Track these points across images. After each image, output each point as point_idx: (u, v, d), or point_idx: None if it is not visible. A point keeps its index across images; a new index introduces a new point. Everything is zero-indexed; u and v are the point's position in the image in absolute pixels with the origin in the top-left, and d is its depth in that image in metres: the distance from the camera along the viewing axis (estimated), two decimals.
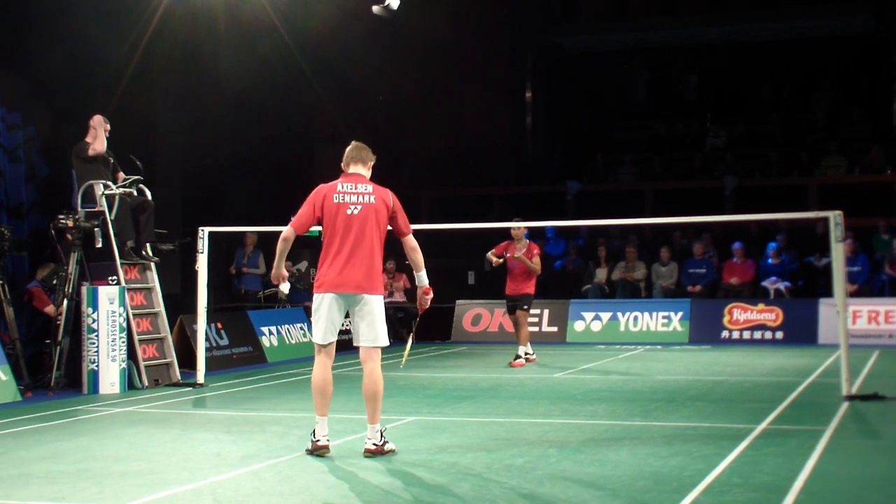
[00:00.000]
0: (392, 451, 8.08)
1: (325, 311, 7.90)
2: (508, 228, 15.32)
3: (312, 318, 8.06)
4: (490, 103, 26.88)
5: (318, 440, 8.07)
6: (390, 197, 8.09)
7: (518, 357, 15.30)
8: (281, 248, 8.05)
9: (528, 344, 15.48)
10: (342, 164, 8.22)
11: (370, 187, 8.02)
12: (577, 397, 11.61)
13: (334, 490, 6.96)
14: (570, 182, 24.33)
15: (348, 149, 8.25)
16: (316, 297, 7.95)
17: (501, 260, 15.29)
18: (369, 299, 7.92)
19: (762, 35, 27.72)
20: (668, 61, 29.20)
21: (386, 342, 8.03)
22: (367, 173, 8.21)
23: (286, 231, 8.02)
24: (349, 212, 7.84)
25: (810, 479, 7.02)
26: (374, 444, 7.98)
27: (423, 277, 8.30)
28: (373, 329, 7.97)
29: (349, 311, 8.03)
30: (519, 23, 27.13)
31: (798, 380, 12.82)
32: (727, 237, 20.81)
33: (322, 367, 8.03)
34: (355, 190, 7.97)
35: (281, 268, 8.12)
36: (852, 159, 23.71)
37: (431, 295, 8.38)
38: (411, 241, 8.23)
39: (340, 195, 7.91)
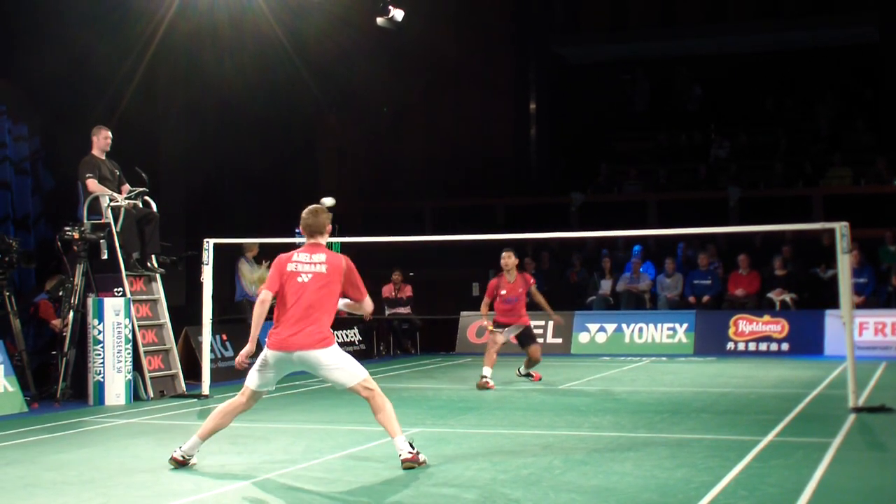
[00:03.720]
0: (425, 463, 8.06)
1: (272, 364, 8.02)
2: (505, 241, 14.67)
3: (255, 365, 8.11)
4: (493, 115, 26.93)
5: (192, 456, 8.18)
6: (343, 263, 8.11)
7: (484, 378, 13.98)
8: (258, 312, 8.05)
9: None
10: (301, 230, 8.29)
11: (324, 256, 8.08)
12: (582, 409, 11.60)
13: (338, 501, 6.96)
14: (573, 193, 24.34)
15: (304, 215, 8.23)
16: (265, 350, 8.06)
17: (494, 328, 14.19)
18: (319, 354, 7.97)
19: (765, 46, 27.74)
20: (671, 72, 29.22)
21: (364, 372, 8.13)
22: (325, 240, 8.24)
23: (264, 294, 8.09)
24: (300, 280, 7.98)
25: (817, 492, 7.00)
26: (409, 453, 7.99)
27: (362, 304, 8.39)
28: (346, 371, 8.07)
29: (308, 370, 8.12)
30: (521, 35, 27.18)
31: (804, 392, 12.80)
32: (732, 248, 20.79)
33: (235, 404, 8.15)
34: (310, 260, 8.07)
35: (253, 343, 8.23)
36: (857, 170, 23.70)
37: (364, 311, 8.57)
38: (367, 306, 8.40)
39: (295, 264, 8.05)
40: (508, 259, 14.09)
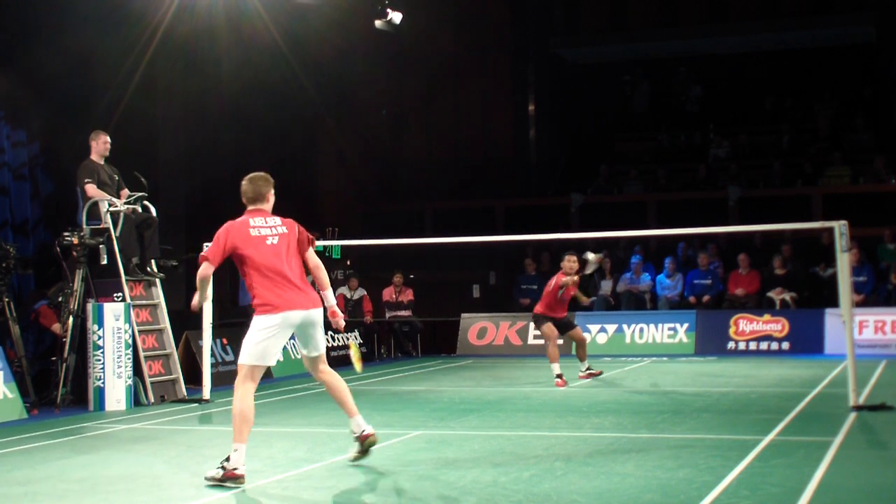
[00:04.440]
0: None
1: (279, 329, 7.86)
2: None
3: (253, 339, 7.83)
4: (493, 116, 26.91)
5: (235, 468, 7.63)
6: (295, 225, 8.16)
7: (588, 369, 15.05)
8: (206, 275, 8.01)
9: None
10: (243, 199, 8.15)
11: (277, 220, 8.10)
12: (584, 410, 11.59)
13: None
14: (573, 194, 24.34)
15: (245, 184, 8.12)
16: (264, 318, 7.83)
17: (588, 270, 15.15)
18: (318, 313, 8.09)
19: (764, 46, 27.72)
20: (670, 73, 29.21)
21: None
22: (269, 207, 8.17)
23: (205, 267, 7.93)
24: (269, 242, 7.92)
25: (818, 491, 6.99)
26: (371, 429, 8.26)
27: (328, 297, 8.33)
28: (322, 338, 8.24)
29: (296, 331, 8.07)
30: (520, 35, 27.15)
31: (805, 390, 12.79)
32: (732, 248, 20.78)
33: (250, 393, 7.85)
34: (266, 224, 8.02)
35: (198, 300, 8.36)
36: (856, 169, 23.69)
37: (340, 319, 8.44)
38: (314, 259, 8.28)
39: (256, 229, 7.95)
40: (572, 264, 14.55)
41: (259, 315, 7.87)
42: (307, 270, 8.23)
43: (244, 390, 7.81)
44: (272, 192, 8.17)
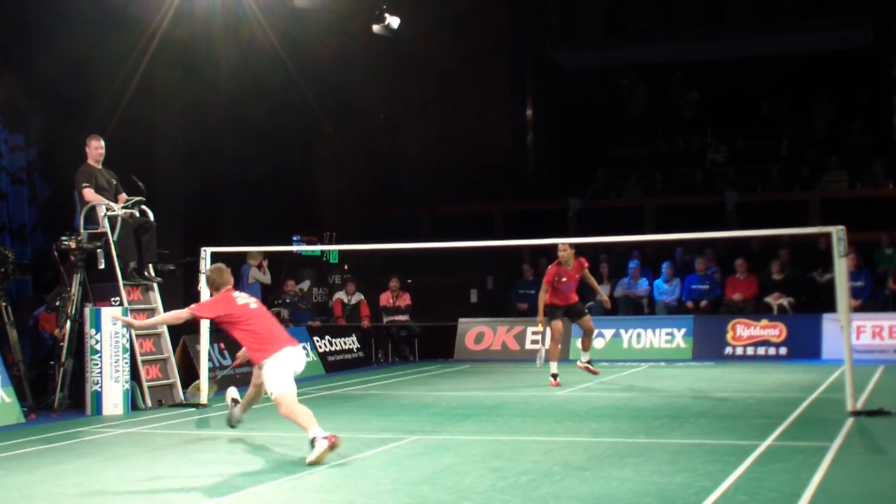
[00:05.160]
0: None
1: (290, 363, 9.22)
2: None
3: (277, 377, 9.04)
4: (490, 121, 26.92)
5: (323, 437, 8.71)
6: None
7: (588, 363, 15.28)
8: (171, 321, 10.16)
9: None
10: (215, 287, 9.67)
11: (245, 293, 9.92)
12: (581, 415, 11.59)
13: None
14: (571, 199, 24.35)
15: (213, 274, 9.72)
16: (276, 357, 9.13)
17: (541, 328, 15.23)
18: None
19: (761, 50, 27.73)
20: (668, 77, 29.23)
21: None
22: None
23: (184, 313, 9.55)
24: (252, 306, 9.46)
25: (816, 496, 6.99)
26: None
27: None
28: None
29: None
30: (518, 40, 27.18)
31: (802, 396, 12.79)
32: (729, 253, 20.78)
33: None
34: (241, 294, 9.67)
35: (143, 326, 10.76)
36: (854, 173, 23.71)
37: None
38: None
39: (240, 298, 9.52)
40: (565, 251, 14.82)
41: (268, 357, 9.31)
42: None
43: (292, 399, 9.12)
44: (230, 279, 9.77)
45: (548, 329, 15.06)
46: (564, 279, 14.83)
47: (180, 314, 9.55)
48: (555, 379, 14.58)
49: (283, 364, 9.09)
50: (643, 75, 29.33)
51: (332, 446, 8.59)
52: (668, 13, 27.83)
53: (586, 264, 15.18)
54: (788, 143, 25.99)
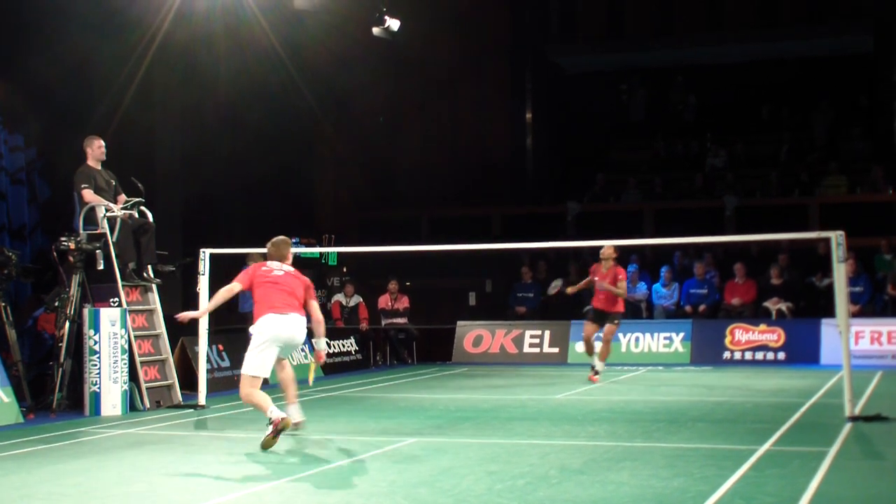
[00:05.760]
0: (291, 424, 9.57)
1: (269, 333, 9.78)
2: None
3: (250, 352, 9.68)
4: (489, 124, 26.94)
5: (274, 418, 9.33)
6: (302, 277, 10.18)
7: (596, 372, 15.77)
8: (226, 296, 10.08)
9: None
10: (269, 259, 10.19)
11: (290, 269, 10.16)
12: (579, 418, 11.59)
13: None
14: (570, 202, 24.36)
15: (269, 246, 10.24)
16: (257, 325, 9.79)
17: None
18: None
19: (761, 55, 27.78)
20: (667, 81, 29.27)
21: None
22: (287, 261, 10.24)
23: (234, 286, 10.01)
24: (275, 273, 9.94)
25: (813, 501, 7.00)
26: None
27: (321, 342, 10.11)
28: None
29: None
30: (518, 43, 27.21)
31: (800, 401, 12.80)
32: (728, 257, 20.78)
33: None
34: (277, 265, 10.12)
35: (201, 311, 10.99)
36: (853, 179, 23.73)
37: (324, 360, 10.35)
38: (318, 312, 10.10)
39: (270, 267, 10.05)
40: (605, 251, 15.60)
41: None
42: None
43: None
44: (290, 251, 10.26)
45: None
46: (597, 277, 15.62)
47: (232, 287, 10.00)
48: (594, 373, 15.62)
49: (262, 336, 9.50)
50: (643, 79, 29.37)
51: (277, 429, 9.12)
52: (667, 18, 27.85)
53: (621, 276, 15.66)
54: (788, 148, 26.02)
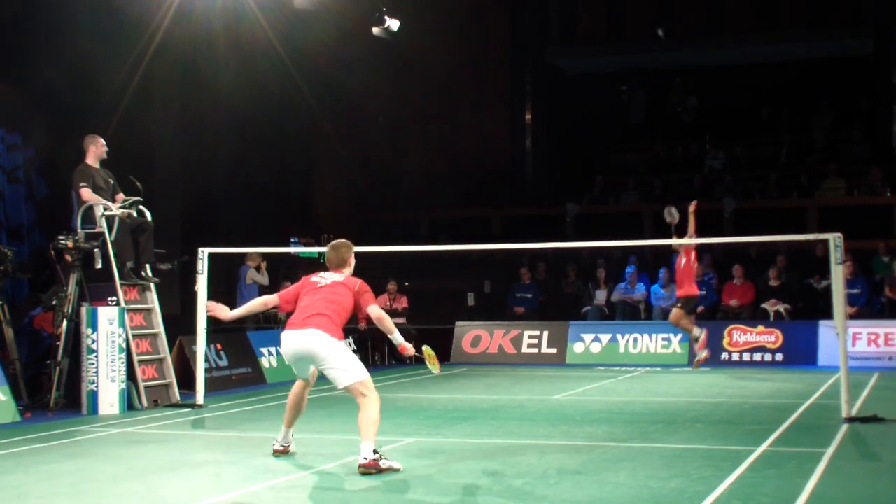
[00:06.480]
0: (391, 470, 8.14)
1: (286, 349, 8.96)
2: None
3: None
4: (489, 125, 26.96)
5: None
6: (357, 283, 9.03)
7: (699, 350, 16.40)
8: (258, 308, 9.43)
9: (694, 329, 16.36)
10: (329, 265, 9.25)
11: (339, 277, 9.05)
12: (577, 419, 11.59)
13: None
14: (569, 204, 24.36)
15: (328, 250, 9.32)
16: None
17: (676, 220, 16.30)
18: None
19: (760, 57, 27.79)
20: (667, 83, 29.28)
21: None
22: (348, 271, 9.23)
23: (272, 299, 9.24)
24: (320, 284, 8.94)
25: (810, 501, 7.01)
26: (365, 458, 8.13)
27: (396, 338, 9.30)
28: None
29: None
30: (518, 45, 27.22)
31: (798, 402, 12.80)
32: (727, 259, 20.80)
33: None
34: (324, 275, 9.10)
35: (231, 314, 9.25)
36: (852, 181, 23.74)
37: (409, 351, 9.49)
38: (374, 312, 9.00)
39: (319, 277, 9.07)
40: (667, 216, 16.26)
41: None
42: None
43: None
44: (351, 257, 9.31)
45: None
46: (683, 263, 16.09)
47: (267, 301, 9.34)
48: (699, 344, 16.19)
49: (284, 351, 8.92)
50: (642, 81, 29.38)
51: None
52: (667, 20, 27.86)
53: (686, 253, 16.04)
54: (787, 150, 26.03)
